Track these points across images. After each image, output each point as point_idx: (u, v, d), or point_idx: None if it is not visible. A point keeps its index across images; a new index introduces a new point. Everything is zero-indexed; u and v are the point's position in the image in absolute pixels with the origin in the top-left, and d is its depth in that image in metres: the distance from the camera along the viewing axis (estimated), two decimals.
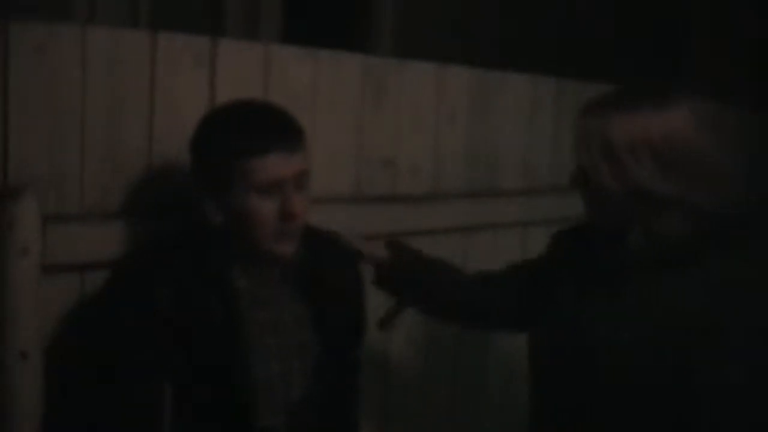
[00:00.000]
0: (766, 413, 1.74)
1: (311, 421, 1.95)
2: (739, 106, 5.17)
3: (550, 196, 3.21)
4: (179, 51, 2.14)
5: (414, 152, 2.84)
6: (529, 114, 3.20)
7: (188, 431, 1.85)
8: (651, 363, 1.77)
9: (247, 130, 1.85)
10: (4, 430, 1.82)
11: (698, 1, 6.92)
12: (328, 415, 1.99)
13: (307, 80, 2.47)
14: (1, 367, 1.81)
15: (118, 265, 1.92)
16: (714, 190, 1.78)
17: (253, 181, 1.82)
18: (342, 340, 2.03)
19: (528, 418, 2.02)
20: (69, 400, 1.87)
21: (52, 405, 1.87)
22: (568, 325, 1.91)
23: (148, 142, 2.07)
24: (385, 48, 4.68)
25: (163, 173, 2.08)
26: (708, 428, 1.74)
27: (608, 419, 1.83)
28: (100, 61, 1.98)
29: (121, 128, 2.04)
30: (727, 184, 1.80)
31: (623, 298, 1.84)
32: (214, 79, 2.19)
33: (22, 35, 1.86)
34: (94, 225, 1.97)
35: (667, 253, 1.79)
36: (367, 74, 2.65)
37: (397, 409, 2.85)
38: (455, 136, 2.99)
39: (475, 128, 3.07)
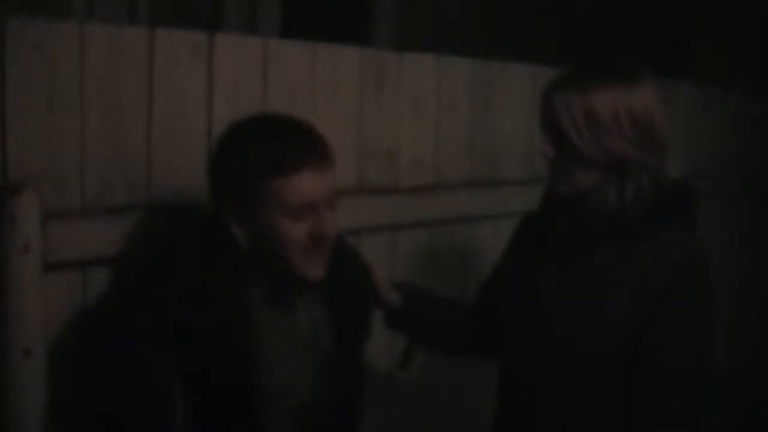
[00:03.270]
0: (704, 373, 1.87)
1: (321, 423, 1.92)
2: (739, 95, 5.19)
3: None
4: (177, 46, 2.13)
5: (415, 143, 2.84)
6: (529, 103, 3.20)
7: (201, 428, 1.82)
8: (604, 330, 1.85)
9: (278, 147, 1.78)
10: (8, 426, 1.82)
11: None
12: (338, 417, 1.97)
13: (306, 74, 2.46)
14: (5, 365, 1.81)
15: (127, 265, 1.91)
16: (666, 160, 1.91)
17: (285, 203, 1.75)
18: (353, 343, 2.01)
19: (495, 394, 2.07)
20: (79, 402, 1.86)
21: (62, 406, 1.87)
22: (526, 295, 1.98)
23: (147, 137, 2.07)
24: (385, 41, 4.68)
25: (163, 168, 2.08)
26: (656, 390, 1.82)
27: (565, 386, 1.90)
28: (98, 57, 1.98)
29: (121, 124, 2.04)
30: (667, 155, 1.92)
31: (578, 270, 1.90)
32: (212, 74, 2.19)
33: (20, 32, 1.85)
34: (95, 221, 1.97)
35: (631, 221, 1.86)
36: (366, 67, 2.65)
37: (400, 411, 2.85)
38: (456, 127, 3.00)
39: (476, 118, 3.07)
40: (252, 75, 2.29)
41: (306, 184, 1.76)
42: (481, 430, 2.16)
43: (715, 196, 4.40)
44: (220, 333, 1.79)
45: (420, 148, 2.86)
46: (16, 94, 1.85)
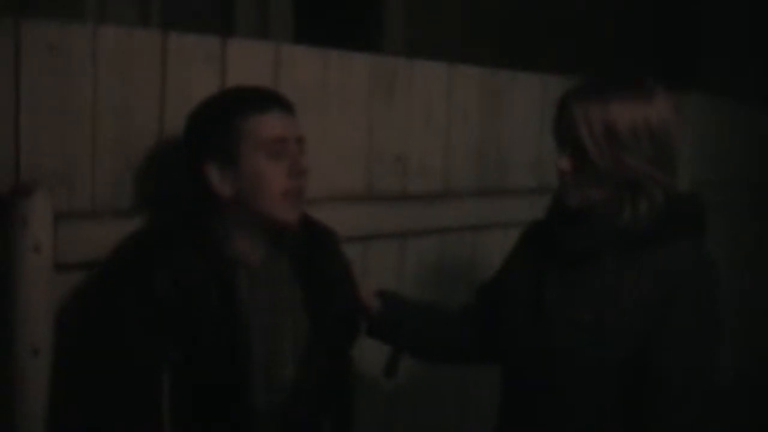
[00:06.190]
0: (712, 385, 1.85)
1: (303, 402, 1.96)
2: (745, 104, 5.19)
3: None
4: (190, 50, 2.15)
5: (424, 151, 2.85)
6: (539, 112, 3.21)
7: (187, 411, 1.85)
8: (607, 342, 1.84)
9: (246, 95, 1.94)
10: (17, 424, 1.83)
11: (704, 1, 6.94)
12: (320, 398, 2.01)
13: (317, 79, 2.47)
14: (14, 363, 1.82)
15: (117, 251, 1.92)
16: (677, 175, 1.90)
17: (260, 140, 1.87)
18: (333, 327, 2.05)
19: (499, 400, 2.06)
20: (73, 386, 1.87)
21: (57, 393, 1.88)
22: (530, 304, 1.97)
23: (158, 140, 2.09)
24: (395, 48, 4.69)
25: (173, 171, 2.09)
26: (660, 404, 1.81)
27: (568, 396, 1.89)
28: (111, 60, 2.00)
29: (133, 126, 2.05)
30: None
31: (582, 281, 1.90)
32: (224, 79, 2.20)
33: (34, 34, 1.87)
34: (105, 222, 1.98)
35: (638, 234, 1.86)
36: (376, 73, 2.66)
37: (404, 407, 2.86)
38: (466, 135, 3.00)
39: (486, 127, 3.08)
40: (263, 80, 2.30)
41: (278, 121, 1.90)
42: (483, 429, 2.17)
43: (723, 205, 4.40)
44: (207, 315, 1.84)
45: (429, 156, 2.86)
46: (29, 95, 1.87)
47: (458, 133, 2.97)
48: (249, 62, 2.28)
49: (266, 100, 1.92)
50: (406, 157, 2.78)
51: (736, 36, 7.12)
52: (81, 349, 1.86)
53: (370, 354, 2.38)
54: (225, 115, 1.88)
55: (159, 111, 2.09)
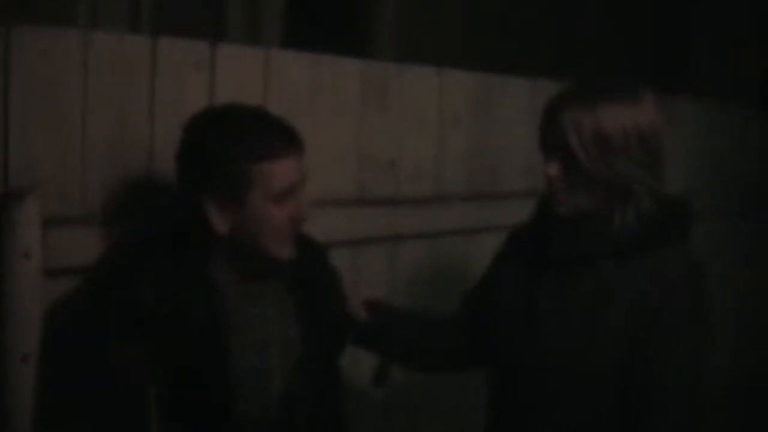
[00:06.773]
0: (705, 387, 1.86)
1: (293, 413, 1.95)
2: (742, 105, 5.20)
3: None
4: (180, 56, 2.14)
5: (416, 155, 2.85)
6: (529, 117, 3.20)
7: (173, 425, 1.84)
8: (599, 347, 1.84)
9: (264, 134, 1.83)
10: (4, 429, 1.82)
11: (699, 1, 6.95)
12: (310, 409, 1.99)
13: (307, 85, 2.47)
14: (3, 370, 1.81)
15: (104, 258, 1.91)
16: (664, 179, 1.90)
17: (271, 187, 1.80)
18: (323, 340, 2.03)
19: (487, 405, 2.07)
20: (61, 393, 1.86)
21: (45, 400, 1.87)
22: (520, 312, 1.97)
23: (149, 146, 2.08)
24: (385, 54, 4.70)
25: (164, 176, 2.09)
26: (653, 408, 1.81)
27: (559, 402, 1.89)
28: (101, 65, 1.99)
29: (123, 132, 2.04)
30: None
31: (575, 286, 1.90)
32: (214, 84, 2.20)
33: (25, 39, 1.86)
34: (96, 228, 1.97)
35: (628, 239, 1.86)
36: (367, 79, 2.66)
37: (400, 409, 2.85)
38: (457, 139, 3.00)
39: (477, 131, 3.08)
40: (254, 85, 2.30)
41: (290, 169, 1.84)
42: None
43: (719, 207, 4.40)
44: (193, 328, 1.82)
45: (421, 160, 2.86)
46: (19, 100, 1.86)
47: (450, 137, 2.97)
48: (239, 68, 2.28)
49: (278, 143, 1.82)
50: (398, 161, 2.78)
51: (731, 37, 7.14)
52: (68, 356, 1.85)
53: (366, 361, 2.38)
54: (234, 159, 1.79)
55: (149, 116, 2.09)
